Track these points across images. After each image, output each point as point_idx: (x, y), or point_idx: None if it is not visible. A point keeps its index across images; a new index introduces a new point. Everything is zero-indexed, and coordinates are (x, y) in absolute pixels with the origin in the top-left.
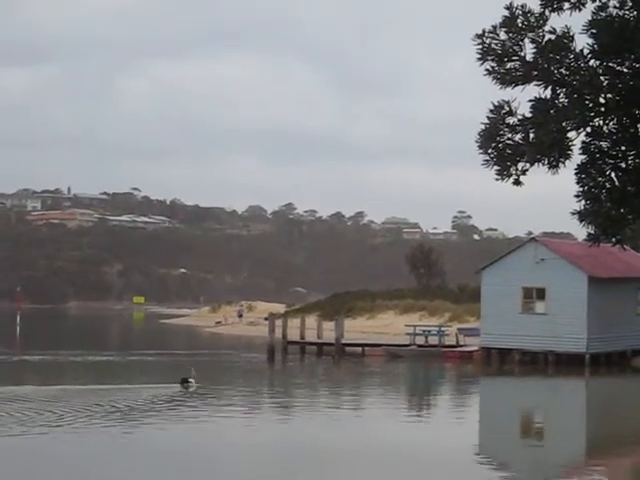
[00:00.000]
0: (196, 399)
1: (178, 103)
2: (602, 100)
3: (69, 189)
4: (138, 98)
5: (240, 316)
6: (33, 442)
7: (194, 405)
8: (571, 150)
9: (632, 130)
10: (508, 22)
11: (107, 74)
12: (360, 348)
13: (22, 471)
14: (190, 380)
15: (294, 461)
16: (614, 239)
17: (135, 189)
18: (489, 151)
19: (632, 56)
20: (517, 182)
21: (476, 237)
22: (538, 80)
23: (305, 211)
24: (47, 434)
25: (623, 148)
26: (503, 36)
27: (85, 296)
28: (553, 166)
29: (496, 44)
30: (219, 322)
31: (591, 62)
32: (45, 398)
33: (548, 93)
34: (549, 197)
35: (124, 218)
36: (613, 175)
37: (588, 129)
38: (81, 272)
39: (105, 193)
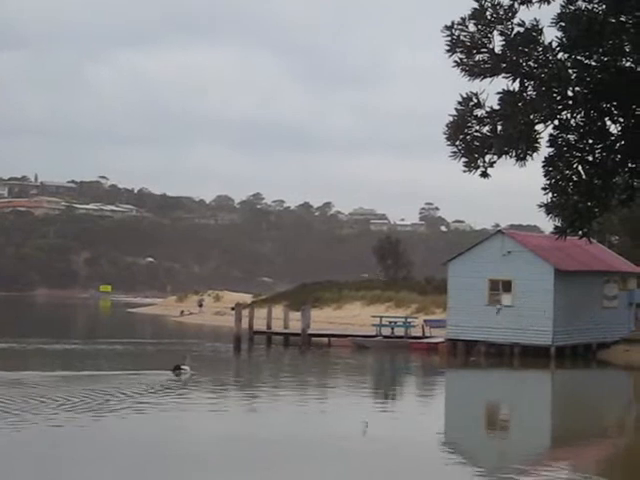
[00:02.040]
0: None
1: (147, 91)
2: (570, 93)
3: (36, 177)
4: (107, 86)
5: (200, 306)
6: (105, 424)
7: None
8: (539, 143)
9: (599, 123)
10: (477, 14)
11: (76, 61)
12: (326, 339)
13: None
14: (184, 368)
15: (257, 453)
16: (581, 232)
17: (103, 177)
18: (457, 143)
19: (600, 50)
20: (484, 174)
21: (443, 229)
22: (506, 72)
23: (273, 201)
24: (99, 418)
25: (590, 141)
26: (472, 28)
27: (52, 284)
28: (520, 158)
29: (465, 36)
30: (182, 312)
31: (559, 55)
32: (45, 384)
33: (516, 86)
34: (516, 190)
35: (91, 206)
36: (580, 168)
37: (556, 122)
38: (48, 260)
39: (72, 181)
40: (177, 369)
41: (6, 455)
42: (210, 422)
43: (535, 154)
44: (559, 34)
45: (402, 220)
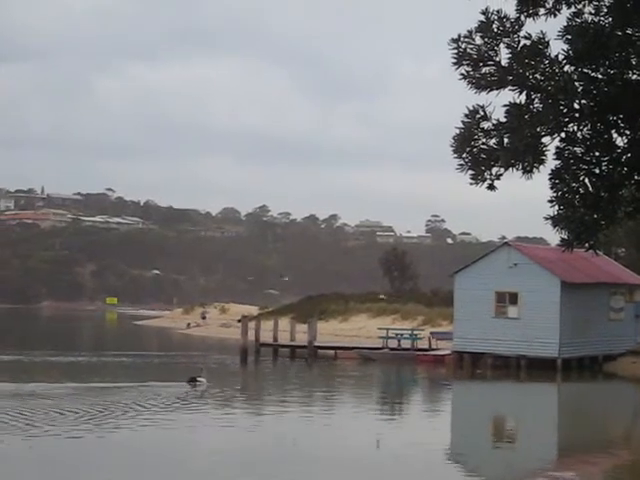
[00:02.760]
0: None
1: (153, 104)
2: (576, 106)
3: (42, 189)
4: (113, 99)
5: (203, 318)
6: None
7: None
8: (545, 155)
9: (606, 136)
10: (484, 27)
11: (82, 74)
12: (333, 351)
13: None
14: (200, 379)
15: (264, 465)
16: (587, 244)
17: (109, 190)
18: (463, 155)
19: (607, 62)
20: (491, 187)
21: (450, 241)
22: (513, 85)
23: (279, 213)
24: (122, 428)
25: (597, 154)
26: (479, 41)
27: (58, 296)
28: (527, 171)
29: (471, 49)
30: (189, 324)
31: (566, 68)
32: (55, 396)
33: (523, 98)
34: (523, 202)
35: (97, 219)
36: (587, 181)
37: (562, 135)
38: (54, 272)
39: (79, 193)
40: (193, 381)
41: (40, 465)
42: (223, 435)
43: (542, 167)
44: (565, 47)
45: (408, 232)
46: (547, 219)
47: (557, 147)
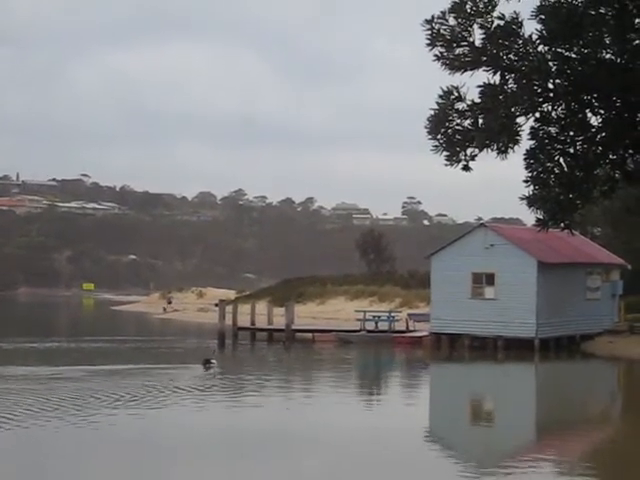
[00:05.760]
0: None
1: (128, 89)
2: (551, 86)
3: (18, 175)
4: (88, 84)
5: (169, 303)
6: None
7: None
8: (520, 135)
9: (580, 115)
10: (457, 8)
11: (56, 60)
12: (310, 334)
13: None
14: (212, 361)
15: (242, 447)
16: (563, 224)
17: (84, 175)
18: (438, 137)
19: (580, 42)
20: (466, 167)
21: (426, 223)
22: (487, 66)
23: (255, 197)
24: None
25: (571, 133)
26: (452, 22)
27: (34, 283)
28: (502, 151)
29: (445, 30)
30: (165, 309)
31: (540, 48)
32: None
33: (497, 79)
34: (498, 183)
35: (73, 204)
36: (561, 160)
37: (537, 115)
38: (30, 259)
39: (54, 179)
40: (207, 363)
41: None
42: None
43: (516, 147)
44: (539, 27)
45: (385, 214)
46: (522, 199)
47: (532, 127)
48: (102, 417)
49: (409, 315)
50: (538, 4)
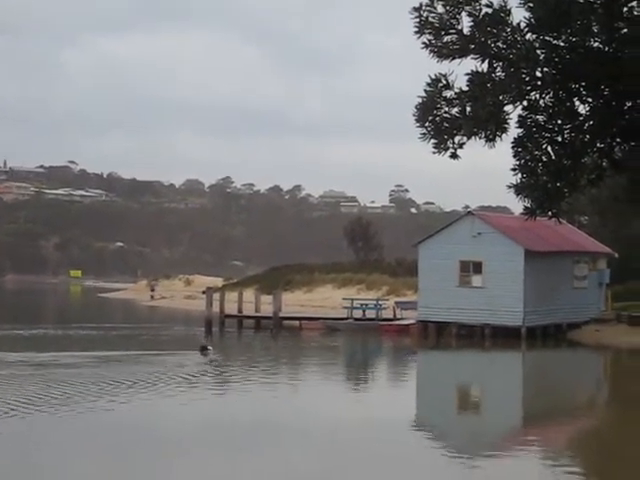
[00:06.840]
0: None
1: (117, 76)
2: (538, 74)
3: (5, 162)
4: (76, 71)
5: (152, 290)
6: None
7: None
8: (508, 124)
9: (568, 104)
10: None
11: (47, 47)
12: (298, 322)
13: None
14: (209, 348)
15: (229, 436)
16: (550, 212)
17: (72, 162)
18: (426, 124)
19: (568, 30)
20: (454, 155)
21: (413, 211)
22: (475, 54)
23: (243, 185)
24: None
25: (559, 122)
26: (440, 9)
27: (21, 269)
28: (490, 140)
29: (433, 17)
30: (152, 296)
31: (527, 36)
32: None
33: (485, 67)
34: (486, 171)
35: (60, 191)
36: (549, 149)
37: (525, 103)
38: (17, 245)
39: (41, 166)
40: (204, 349)
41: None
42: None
43: (504, 135)
44: (527, 15)
45: (372, 202)
46: (510, 187)
47: (519, 115)
48: (76, 405)
49: (396, 303)
50: None
